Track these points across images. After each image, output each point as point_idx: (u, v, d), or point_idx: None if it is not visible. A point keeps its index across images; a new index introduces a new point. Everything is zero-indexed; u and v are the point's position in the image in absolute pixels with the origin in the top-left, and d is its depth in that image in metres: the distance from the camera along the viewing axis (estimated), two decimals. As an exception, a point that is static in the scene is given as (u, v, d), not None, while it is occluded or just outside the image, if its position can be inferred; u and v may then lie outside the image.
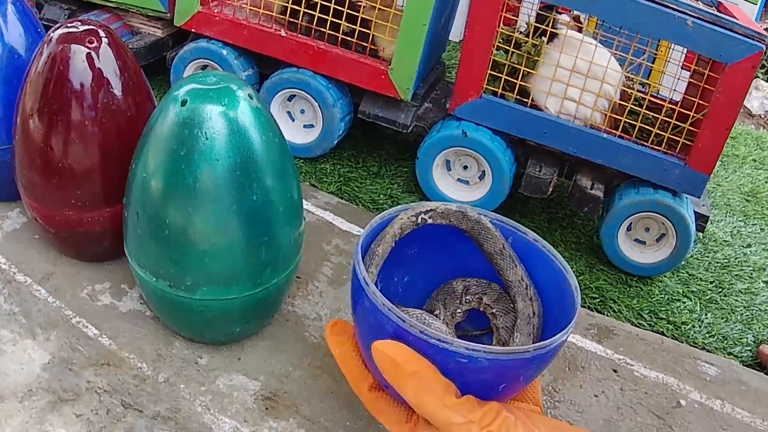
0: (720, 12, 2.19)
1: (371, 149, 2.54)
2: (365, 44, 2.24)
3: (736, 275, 2.44)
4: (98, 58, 1.67)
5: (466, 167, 2.32)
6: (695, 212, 2.26)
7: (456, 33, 3.48)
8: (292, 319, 1.84)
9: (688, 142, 2.12)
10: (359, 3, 2.24)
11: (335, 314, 1.87)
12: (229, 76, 1.56)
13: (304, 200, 2.15)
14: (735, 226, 2.72)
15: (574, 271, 2.14)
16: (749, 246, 2.63)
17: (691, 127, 2.11)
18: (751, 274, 2.47)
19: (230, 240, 1.51)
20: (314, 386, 1.67)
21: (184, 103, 1.45)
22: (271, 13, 2.31)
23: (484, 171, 2.28)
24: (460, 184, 2.35)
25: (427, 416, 0.69)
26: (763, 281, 2.45)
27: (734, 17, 2.05)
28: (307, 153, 2.39)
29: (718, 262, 2.49)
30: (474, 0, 2.07)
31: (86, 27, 1.69)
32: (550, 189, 2.25)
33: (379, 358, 0.68)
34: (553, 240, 2.37)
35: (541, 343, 0.67)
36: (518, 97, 2.19)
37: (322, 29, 2.26)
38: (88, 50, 1.65)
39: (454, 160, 2.31)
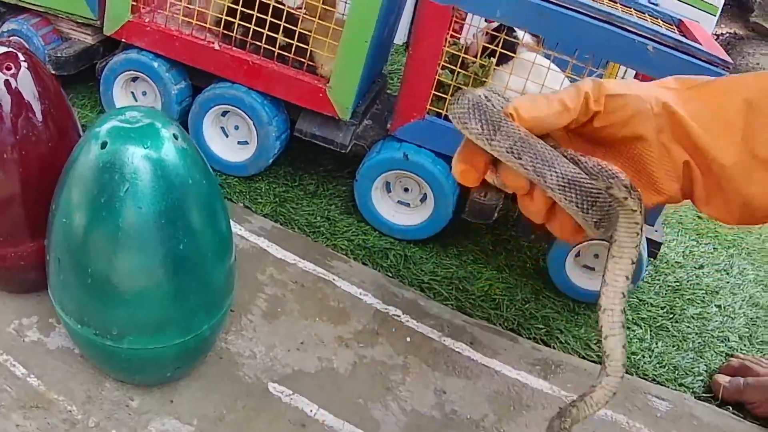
0: (681, 32, 2.18)
1: (308, 166, 2.51)
2: (303, 60, 2.21)
3: (688, 299, 2.46)
4: (17, 84, 1.62)
5: (407, 189, 2.30)
6: (647, 239, 2.26)
7: (399, 35, 3.44)
8: (225, 356, 1.82)
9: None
10: (297, 16, 2.18)
11: (270, 350, 1.86)
12: (152, 112, 1.53)
13: (237, 225, 2.14)
14: (687, 246, 2.75)
15: (519, 299, 2.16)
16: (701, 267, 2.65)
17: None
18: (704, 297, 2.49)
19: (157, 289, 1.49)
20: (249, 431, 1.65)
21: (104, 145, 1.42)
22: (204, 24, 2.26)
23: (426, 194, 2.26)
24: (400, 206, 2.33)
25: None
26: (715, 305, 2.47)
27: (696, 39, 2.04)
28: (241, 171, 2.36)
29: (669, 286, 2.50)
30: (420, 17, 2.03)
31: (3, 50, 1.64)
32: (496, 214, 2.24)
33: None
34: (498, 264, 2.36)
35: None
36: (464, 119, 2.17)
37: (257, 43, 2.21)
38: (5, 77, 1.61)
39: (395, 182, 2.29)
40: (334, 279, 2.11)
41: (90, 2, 2.39)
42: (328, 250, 2.22)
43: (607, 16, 1.95)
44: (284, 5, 2.16)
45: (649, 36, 1.95)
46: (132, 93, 2.44)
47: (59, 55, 2.41)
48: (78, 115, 2.48)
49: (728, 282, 2.63)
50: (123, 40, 2.35)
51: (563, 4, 1.96)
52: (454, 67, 2.13)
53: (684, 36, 2.13)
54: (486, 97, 0.91)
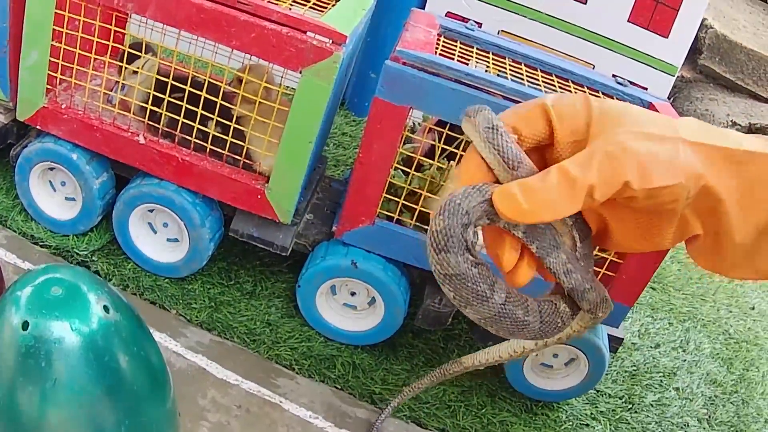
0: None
1: (244, 259, 2.30)
2: (238, 157, 2.00)
3: (646, 385, 2.35)
4: None
5: (353, 293, 2.13)
6: (609, 335, 2.13)
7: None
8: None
9: (610, 273, 1.98)
10: (232, 109, 1.98)
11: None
12: (79, 274, 1.36)
13: (172, 340, 1.97)
14: (642, 323, 2.64)
15: (475, 404, 2.02)
16: (658, 346, 2.55)
17: (614, 259, 1.97)
18: (661, 381, 2.39)
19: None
20: None
21: (25, 325, 1.25)
22: (127, 113, 2.05)
23: (374, 297, 2.09)
24: (347, 309, 2.16)
25: None
26: (673, 388, 2.38)
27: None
28: (172, 273, 2.15)
29: (626, 371, 2.39)
30: (373, 118, 1.85)
31: None
32: (450, 319, 2.09)
33: None
34: (452, 364, 2.21)
35: None
36: (417, 223, 2.00)
37: (187, 137, 2.00)
38: None
39: (341, 285, 2.12)
40: (281, 401, 1.94)
41: (0, 82, 2.14)
42: (272, 365, 2.03)
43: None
44: (217, 98, 1.94)
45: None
46: (50, 182, 2.20)
47: (-32, 138, 2.17)
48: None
49: (685, 360, 2.53)
50: (38, 126, 2.11)
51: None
52: (407, 170, 1.96)
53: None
54: (469, 251, 0.74)
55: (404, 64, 1.79)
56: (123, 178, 2.19)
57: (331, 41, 1.83)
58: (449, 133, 1.89)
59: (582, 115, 0.74)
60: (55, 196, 2.22)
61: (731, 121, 3.99)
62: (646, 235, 0.78)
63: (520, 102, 1.74)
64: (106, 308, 1.32)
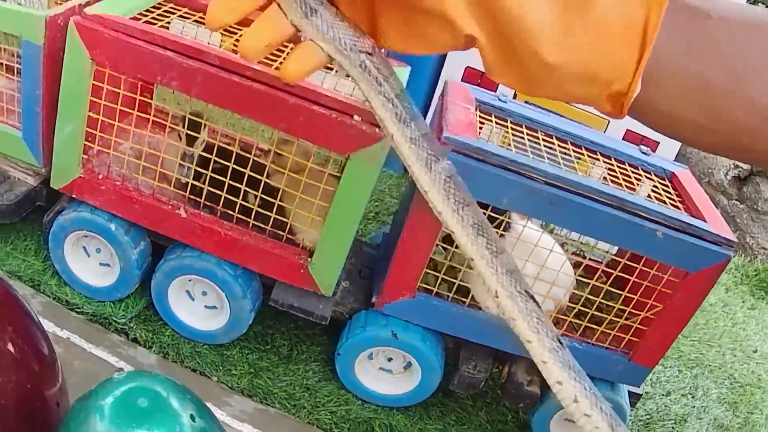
0: (674, 187, 2.11)
1: (279, 323, 2.32)
2: (281, 233, 2.02)
3: (660, 433, 2.42)
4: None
5: (390, 359, 2.17)
6: (628, 391, 2.20)
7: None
8: None
9: (635, 339, 2.04)
10: (275, 188, 1.99)
11: None
12: (162, 382, 1.38)
13: (218, 409, 1.99)
14: (654, 372, 2.70)
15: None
16: (668, 394, 2.61)
17: (640, 326, 2.03)
18: (673, 428, 2.46)
19: None
20: None
21: (112, 436, 1.27)
22: (167, 186, 2.06)
23: (410, 361, 2.13)
24: (383, 373, 2.20)
25: None
26: (685, 436, 2.44)
27: (695, 205, 1.99)
28: (211, 340, 2.18)
29: (640, 420, 2.46)
30: (417, 202, 1.89)
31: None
32: (484, 381, 2.14)
33: None
34: (479, 422, 2.27)
35: None
36: (455, 296, 2.05)
37: (229, 211, 2.02)
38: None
39: (378, 352, 2.15)
40: (325, 467, 1.98)
41: (32, 148, 2.12)
42: (313, 430, 2.07)
43: (619, 202, 1.85)
44: (261, 174, 1.96)
45: (657, 220, 1.86)
46: (84, 248, 2.21)
47: (0, 202, 2.16)
48: (23, 264, 2.24)
49: (694, 407, 2.60)
50: (74, 195, 2.11)
51: (574, 190, 1.84)
52: (448, 246, 2.01)
53: (678, 193, 2.07)
54: None
55: (452, 150, 1.82)
56: (158, 244, 2.21)
57: (378, 127, 1.85)
58: (491, 214, 1.93)
59: None
60: (89, 262, 2.22)
61: (733, 164, 4.07)
62: (413, 34, 0.64)
63: (559, 187, 1.79)
64: (192, 417, 1.34)
